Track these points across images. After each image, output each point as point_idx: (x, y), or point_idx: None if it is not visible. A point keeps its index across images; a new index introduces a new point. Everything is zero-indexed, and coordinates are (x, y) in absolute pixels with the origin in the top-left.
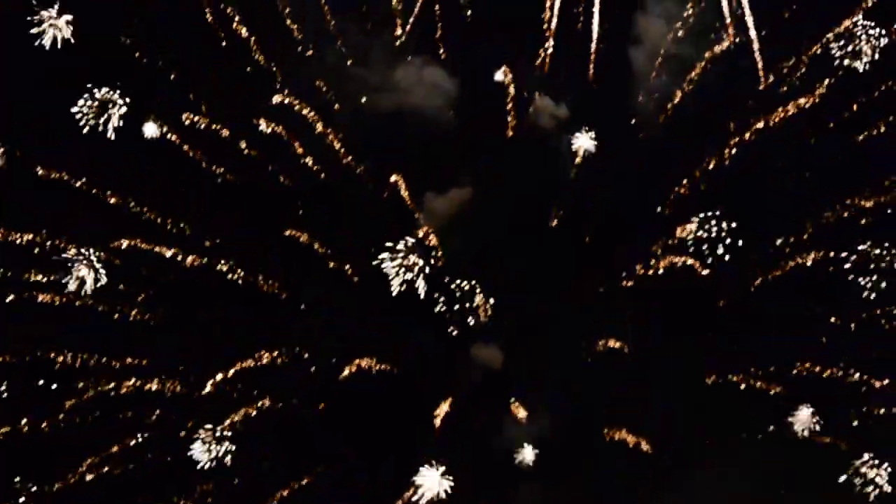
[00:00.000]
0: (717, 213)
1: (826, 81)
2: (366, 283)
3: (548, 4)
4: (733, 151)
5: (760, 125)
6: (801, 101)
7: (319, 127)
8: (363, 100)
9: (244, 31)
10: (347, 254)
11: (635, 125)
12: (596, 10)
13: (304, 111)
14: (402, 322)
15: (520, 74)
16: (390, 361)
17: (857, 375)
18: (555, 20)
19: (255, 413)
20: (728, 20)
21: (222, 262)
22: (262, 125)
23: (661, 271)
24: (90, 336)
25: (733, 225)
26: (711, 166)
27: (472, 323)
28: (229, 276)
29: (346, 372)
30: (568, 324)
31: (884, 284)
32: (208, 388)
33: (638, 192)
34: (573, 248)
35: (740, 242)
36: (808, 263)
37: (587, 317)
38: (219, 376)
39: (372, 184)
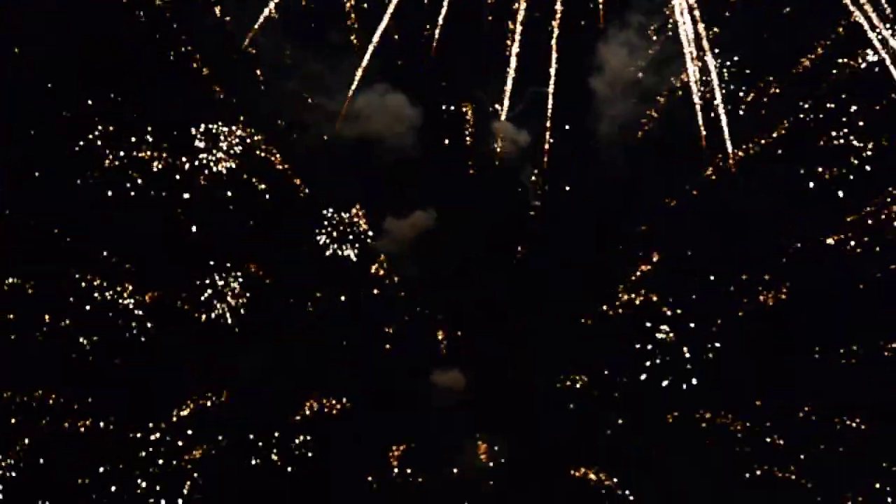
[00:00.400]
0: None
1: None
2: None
3: (513, 30)
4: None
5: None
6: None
7: (276, 157)
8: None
9: (203, 68)
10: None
11: (599, 153)
12: (555, 36)
13: (259, 141)
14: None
15: (481, 101)
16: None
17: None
18: (516, 46)
19: (200, 456)
20: (688, 52)
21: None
22: (217, 155)
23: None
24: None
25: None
26: (674, 203)
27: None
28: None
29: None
30: (529, 356)
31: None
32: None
33: (601, 225)
34: (535, 279)
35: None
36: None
37: (549, 350)
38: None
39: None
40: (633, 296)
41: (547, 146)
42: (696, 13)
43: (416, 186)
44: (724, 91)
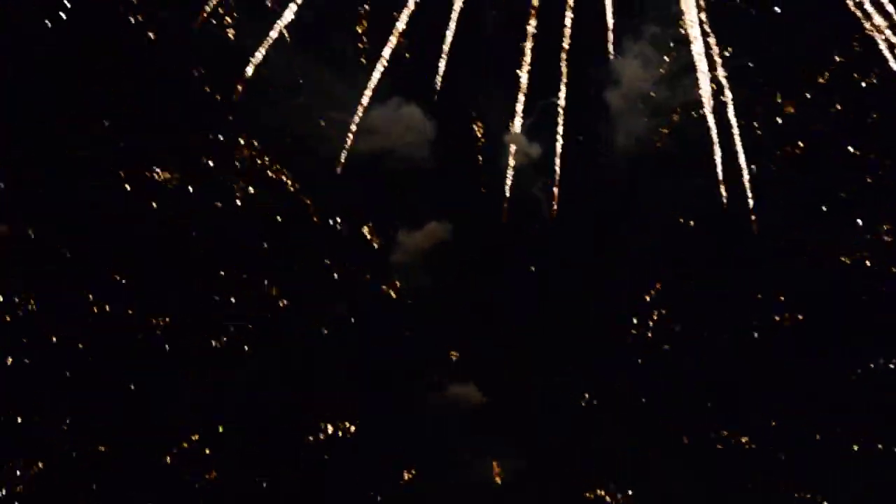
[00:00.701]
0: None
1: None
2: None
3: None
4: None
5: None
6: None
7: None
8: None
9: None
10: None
11: (611, 167)
12: (565, 47)
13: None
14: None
15: (492, 113)
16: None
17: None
18: (528, 56)
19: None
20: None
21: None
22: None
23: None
24: None
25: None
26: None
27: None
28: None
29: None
30: (546, 370)
31: None
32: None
33: (613, 239)
34: (551, 291)
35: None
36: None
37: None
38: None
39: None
40: (652, 315)
41: (558, 159)
42: (707, 27)
43: (430, 198)
44: (735, 104)
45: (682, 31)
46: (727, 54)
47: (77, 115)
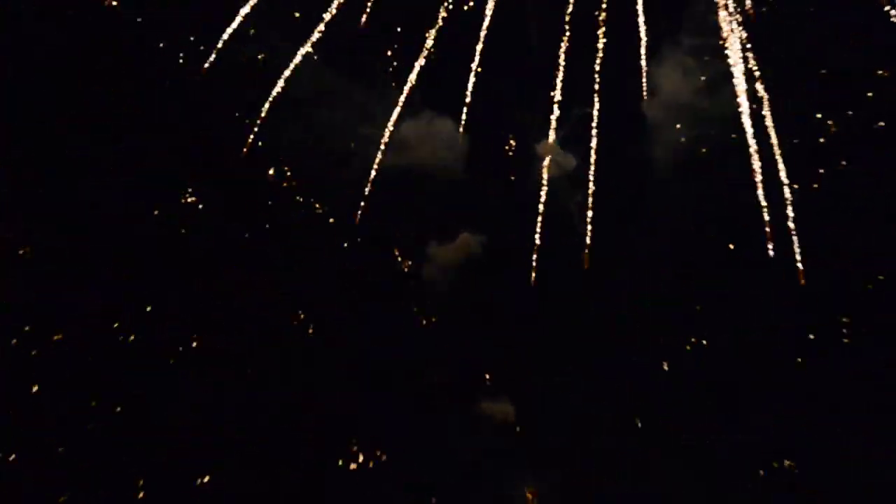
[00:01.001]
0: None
1: None
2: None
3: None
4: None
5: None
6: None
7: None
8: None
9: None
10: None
11: (647, 179)
12: (599, 55)
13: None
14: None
15: (526, 124)
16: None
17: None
18: (562, 69)
19: None
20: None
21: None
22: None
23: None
24: None
25: None
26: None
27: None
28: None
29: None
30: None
31: None
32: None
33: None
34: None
35: None
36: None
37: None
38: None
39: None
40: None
41: (592, 170)
42: (744, 35)
43: (462, 211)
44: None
45: (722, 42)
46: (763, 67)
47: (78, 116)
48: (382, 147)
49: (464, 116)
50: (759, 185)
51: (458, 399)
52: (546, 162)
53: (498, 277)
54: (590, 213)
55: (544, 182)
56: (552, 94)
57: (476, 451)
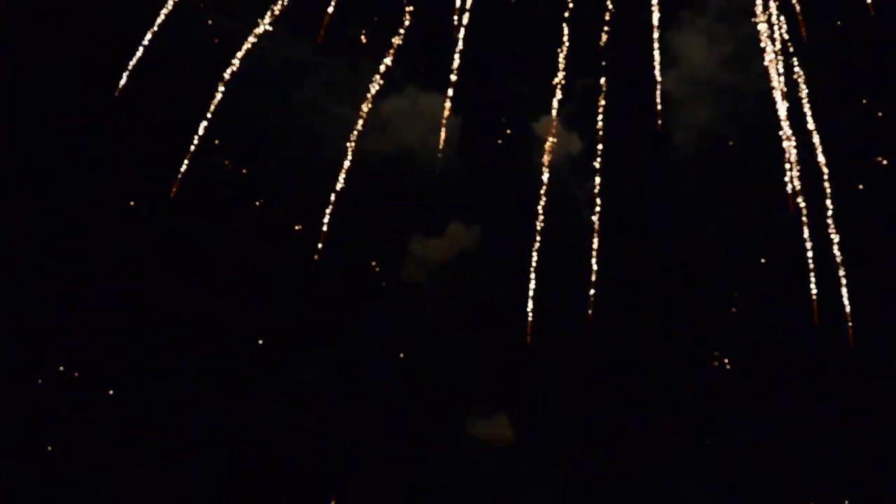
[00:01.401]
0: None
1: None
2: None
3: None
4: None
5: None
6: None
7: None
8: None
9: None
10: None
11: (664, 164)
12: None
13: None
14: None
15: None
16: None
17: None
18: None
19: None
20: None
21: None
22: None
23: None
24: None
25: None
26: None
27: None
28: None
29: None
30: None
31: None
32: None
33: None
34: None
35: None
36: None
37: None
38: None
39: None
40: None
41: (599, 151)
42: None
43: (452, 201)
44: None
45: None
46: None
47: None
48: (359, 129)
49: (450, 91)
50: (796, 182)
51: (443, 424)
52: (548, 144)
53: (493, 274)
54: (598, 204)
55: (545, 166)
56: (556, 63)
57: (468, 483)
